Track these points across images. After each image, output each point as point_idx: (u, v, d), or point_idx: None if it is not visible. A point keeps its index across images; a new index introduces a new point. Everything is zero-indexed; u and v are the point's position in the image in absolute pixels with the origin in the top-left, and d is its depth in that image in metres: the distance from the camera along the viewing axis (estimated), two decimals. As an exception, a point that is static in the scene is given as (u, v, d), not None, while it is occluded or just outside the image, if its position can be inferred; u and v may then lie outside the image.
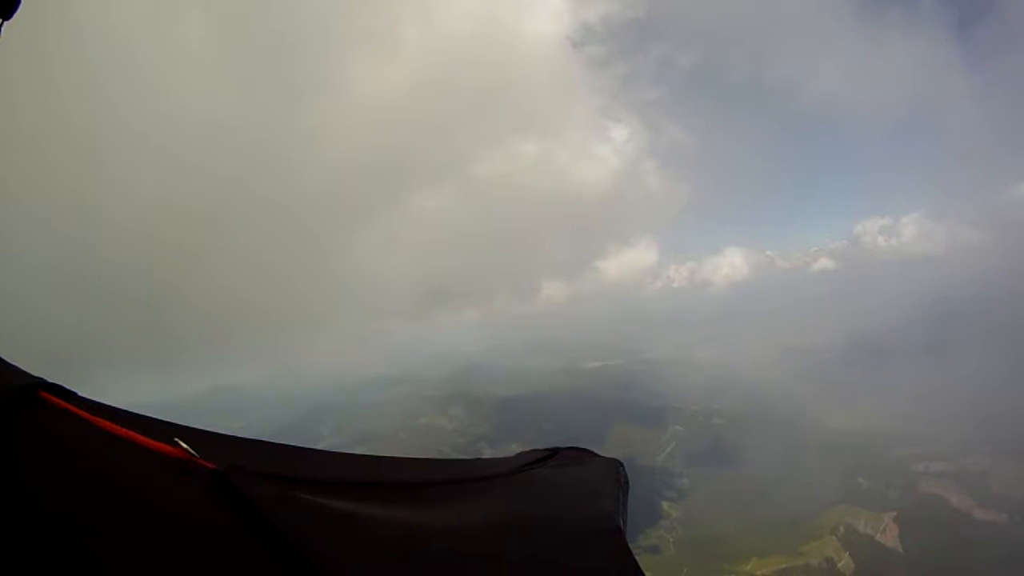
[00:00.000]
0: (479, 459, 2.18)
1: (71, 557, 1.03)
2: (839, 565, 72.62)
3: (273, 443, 1.62)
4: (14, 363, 1.35)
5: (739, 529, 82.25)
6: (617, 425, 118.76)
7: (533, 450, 2.32)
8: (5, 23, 1.47)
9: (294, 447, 1.67)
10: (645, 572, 1.63)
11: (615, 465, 2.36)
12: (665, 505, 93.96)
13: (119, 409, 1.38)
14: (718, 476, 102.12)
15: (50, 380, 1.31)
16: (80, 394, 1.34)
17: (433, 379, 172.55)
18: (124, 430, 1.27)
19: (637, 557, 1.65)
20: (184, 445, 1.29)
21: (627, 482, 2.29)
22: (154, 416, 1.43)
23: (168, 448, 1.28)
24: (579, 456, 2.37)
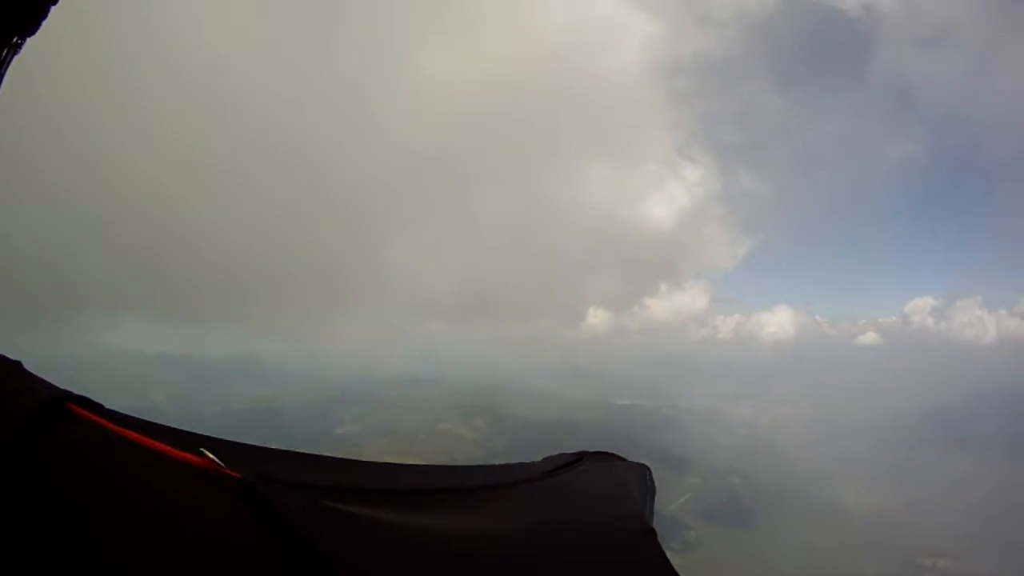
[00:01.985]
0: (508, 464, 2.29)
1: (98, 569, 1.04)
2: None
3: (298, 452, 1.62)
4: (41, 376, 1.36)
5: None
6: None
7: (561, 454, 2.39)
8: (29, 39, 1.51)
9: (319, 456, 1.65)
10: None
11: (643, 470, 2.46)
12: (669, 556, 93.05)
13: (145, 421, 1.39)
14: (727, 535, 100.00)
15: (76, 392, 1.32)
16: (107, 407, 1.35)
17: (462, 388, 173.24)
18: (150, 440, 1.28)
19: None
20: (210, 455, 1.29)
21: (655, 487, 2.41)
22: (179, 427, 1.43)
23: (194, 458, 1.28)
24: (607, 460, 2.45)
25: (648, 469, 2.45)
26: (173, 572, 1.10)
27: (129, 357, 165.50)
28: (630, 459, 2.49)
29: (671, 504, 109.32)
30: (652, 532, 1.95)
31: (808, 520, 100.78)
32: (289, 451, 1.61)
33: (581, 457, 2.31)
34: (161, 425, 1.40)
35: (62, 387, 1.34)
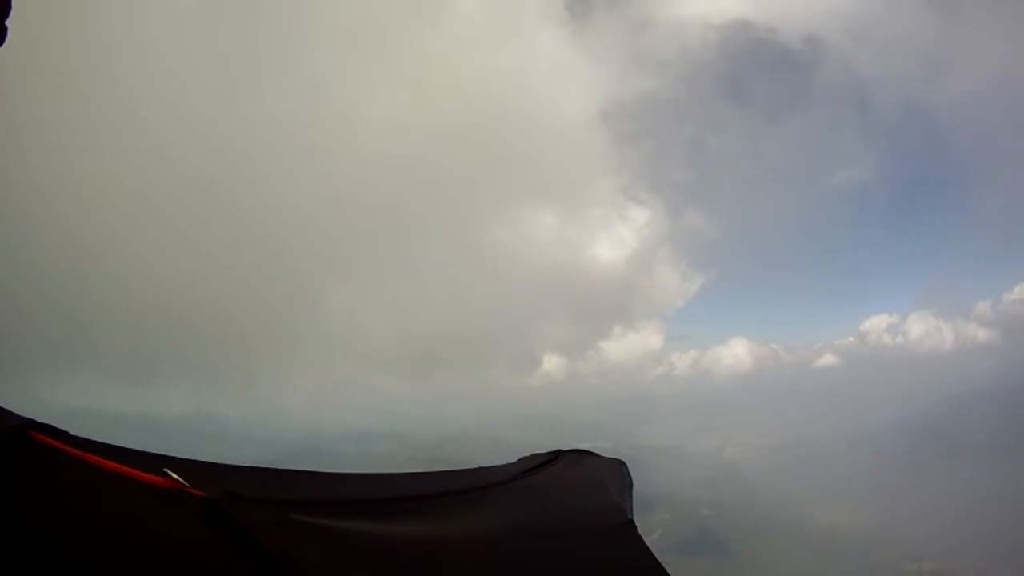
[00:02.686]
0: (481, 468, 2.20)
1: None
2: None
3: (264, 468, 1.59)
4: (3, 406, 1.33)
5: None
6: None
7: (535, 455, 2.39)
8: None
9: (287, 471, 1.64)
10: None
11: (619, 465, 2.48)
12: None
13: (110, 445, 1.36)
14: (705, 568, 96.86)
15: (40, 420, 1.29)
16: (71, 433, 1.32)
17: (419, 441, 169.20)
18: (115, 464, 1.25)
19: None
20: (174, 475, 1.26)
21: (632, 481, 2.41)
22: (141, 448, 1.40)
23: (158, 479, 1.25)
24: (582, 457, 2.46)
25: (624, 464, 2.53)
26: None
27: (85, 416, 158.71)
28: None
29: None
30: (631, 524, 1.97)
31: (786, 543, 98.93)
32: (255, 467, 1.59)
33: (556, 456, 2.40)
34: (125, 448, 1.38)
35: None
